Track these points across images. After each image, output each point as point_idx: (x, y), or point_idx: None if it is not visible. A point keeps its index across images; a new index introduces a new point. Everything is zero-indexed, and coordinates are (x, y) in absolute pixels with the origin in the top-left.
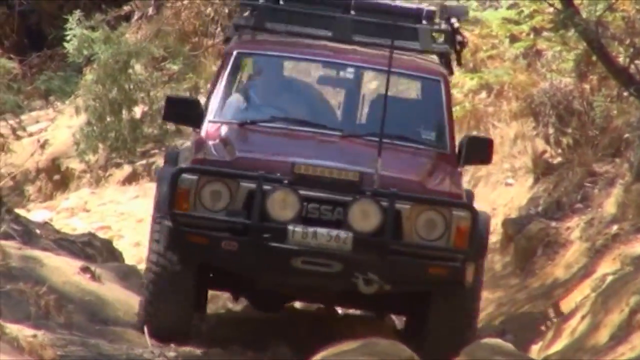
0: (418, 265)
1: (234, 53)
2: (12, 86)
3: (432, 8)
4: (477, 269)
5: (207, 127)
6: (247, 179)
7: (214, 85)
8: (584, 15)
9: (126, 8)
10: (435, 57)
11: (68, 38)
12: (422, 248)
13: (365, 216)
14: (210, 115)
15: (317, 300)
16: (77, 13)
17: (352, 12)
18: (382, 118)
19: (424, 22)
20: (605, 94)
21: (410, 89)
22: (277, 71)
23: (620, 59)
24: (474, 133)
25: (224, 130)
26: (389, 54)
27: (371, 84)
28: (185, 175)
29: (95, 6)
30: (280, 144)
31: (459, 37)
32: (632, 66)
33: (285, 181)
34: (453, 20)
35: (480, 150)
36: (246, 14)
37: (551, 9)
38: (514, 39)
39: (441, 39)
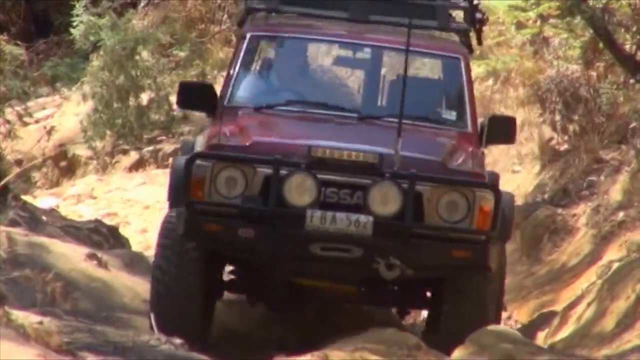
0: (441, 249)
1: (248, 36)
2: (19, 72)
3: None
4: (501, 251)
5: (222, 113)
6: (263, 164)
7: (228, 70)
8: (591, 2)
9: None
10: (454, 36)
11: (75, 24)
12: (444, 230)
13: (385, 199)
14: (225, 100)
15: (337, 298)
16: (83, 0)
17: None
18: (402, 98)
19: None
20: (612, 81)
21: (429, 68)
22: (292, 53)
23: (627, 46)
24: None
25: (239, 115)
26: (398, 33)
27: (390, 64)
28: (199, 162)
29: None
30: (297, 127)
31: (478, 15)
32: (639, 54)
33: (303, 165)
34: None
35: (503, 130)
36: None
37: None
38: (520, 26)
39: (460, 17)
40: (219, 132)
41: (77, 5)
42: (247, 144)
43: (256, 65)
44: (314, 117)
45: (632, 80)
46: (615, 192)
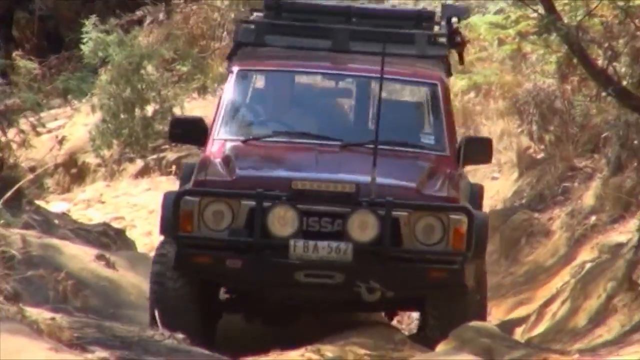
0: (418, 270)
1: (235, 70)
2: (33, 86)
3: (431, 9)
4: (478, 269)
5: (211, 146)
6: (247, 198)
7: (218, 103)
8: (566, 20)
9: (139, 13)
10: (437, 60)
11: (84, 41)
12: (421, 253)
13: (363, 226)
14: (214, 134)
15: (325, 310)
16: (93, 18)
17: (353, 20)
18: (376, 127)
19: (423, 23)
20: (585, 94)
21: (409, 93)
22: (278, 86)
23: (599, 62)
24: (472, 133)
25: (227, 148)
26: (383, 62)
27: (374, 91)
28: (187, 198)
29: (110, 11)
30: (280, 159)
31: (458, 38)
32: (610, 68)
33: (284, 197)
34: (453, 20)
35: (479, 151)
36: (247, 29)
37: (535, 15)
38: (501, 42)
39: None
40: (207, 166)
41: (87, 23)
42: (232, 178)
43: (244, 98)
44: (298, 147)
45: (603, 93)
46: (588, 198)
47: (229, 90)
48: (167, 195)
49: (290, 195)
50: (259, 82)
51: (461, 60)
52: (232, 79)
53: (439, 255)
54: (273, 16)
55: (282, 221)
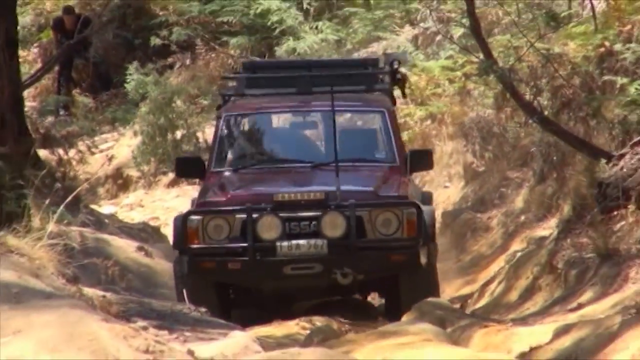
0: (381, 256)
1: (223, 116)
2: (88, 116)
3: (375, 57)
4: (429, 250)
5: (209, 176)
6: (240, 212)
7: (212, 142)
8: (500, 64)
9: (170, 60)
10: (382, 93)
11: (128, 81)
12: (382, 242)
13: (333, 225)
14: (210, 167)
15: (313, 296)
16: (135, 63)
17: (313, 70)
18: (335, 148)
19: (369, 68)
20: (516, 121)
21: (365, 120)
22: (258, 125)
23: (527, 96)
24: (416, 147)
25: (221, 177)
26: (337, 98)
27: (337, 121)
28: (192, 217)
29: (148, 58)
30: (264, 180)
31: (398, 76)
32: (535, 101)
33: (268, 209)
34: (395, 63)
35: (422, 160)
36: (230, 84)
37: (477, 60)
38: (450, 81)
39: (386, 79)
40: (206, 191)
41: (130, 67)
42: (227, 198)
43: (232, 137)
44: (277, 170)
45: (530, 121)
46: (518, 201)
47: (220, 132)
48: (177, 218)
49: (274, 207)
50: (243, 123)
51: (403, 93)
52: (221, 123)
53: (396, 242)
54: (250, 73)
55: (269, 228)
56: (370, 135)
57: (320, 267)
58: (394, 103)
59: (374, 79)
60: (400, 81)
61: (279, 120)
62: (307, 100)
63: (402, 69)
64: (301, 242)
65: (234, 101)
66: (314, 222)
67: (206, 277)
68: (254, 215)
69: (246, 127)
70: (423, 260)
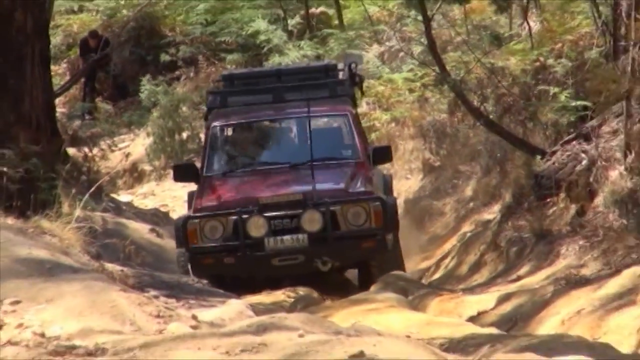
0: (354, 245)
1: (211, 126)
2: (109, 120)
3: (333, 62)
4: (394, 236)
5: (202, 181)
6: (231, 215)
7: (203, 150)
8: (453, 76)
9: (177, 73)
10: (345, 98)
11: (142, 91)
12: (354, 233)
13: (312, 221)
14: (203, 172)
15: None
16: (147, 76)
17: (282, 77)
18: (311, 151)
19: (330, 73)
20: (466, 123)
21: (332, 123)
22: (241, 133)
23: (475, 103)
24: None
25: (212, 181)
26: (315, 104)
27: (305, 126)
28: (191, 221)
29: (158, 72)
30: (250, 183)
31: (357, 78)
32: (482, 107)
33: (255, 210)
34: (352, 65)
35: (383, 155)
36: (214, 97)
37: (433, 73)
38: (411, 90)
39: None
40: (202, 196)
41: (144, 79)
42: (219, 203)
43: (220, 145)
44: (260, 173)
45: (477, 123)
46: (468, 191)
47: (209, 141)
48: (177, 221)
49: (260, 208)
50: (228, 132)
51: (362, 92)
52: (210, 132)
53: (366, 232)
54: (229, 85)
55: (257, 227)
56: (337, 136)
57: (303, 257)
58: (356, 106)
59: (337, 86)
60: (359, 83)
61: (259, 128)
62: (282, 107)
63: (358, 71)
64: (285, 237)
65: (219, 112)
66: (295, 220)
67: (205, 271)
68: (244, 217)
69: (231, 136)
70: (389, 245)
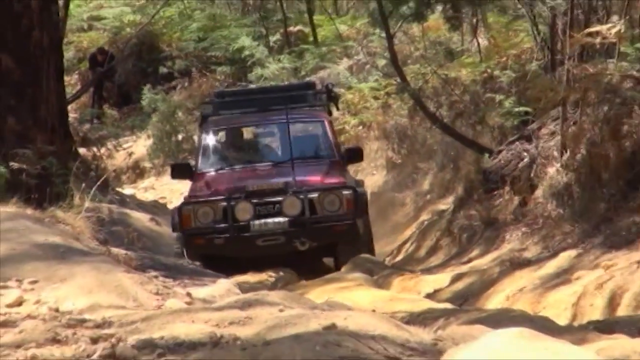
0: (328, 228)
1: (205, 130)
2: (114, 124)
3: (313, 80)
4: (365, 222)
5: (196, 176)
6: (221, 201)
7: (196, 151)
8: (412, 85)
9: (173, 83)
10: (320, 108)
11: (143, 98)
12: (328, 217)
13: (292, 206)
14: (196, 169)
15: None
16: (148, 85)
17: (270, 94)
18: (290, 150)
19: (309, 89)
20: (424, 126)
21: (310, 129)
22: (231, 136)
23: (431, 108)
24: (351, 145)
25: (205, 176)
26: (294, 112)
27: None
28: (186, 206)
29: (157, 82)
30: (239, 177)
31: (332, 94)
32: (437, 112)
33: (242, 197)
34: (329, 85)
35: (355, 155)
36: (208, 107)
37: (395, 83)
38: (376, 98)
39: (323, 97)
40: (195, 187)
41: (144, 88)
42: (211, 191)
43: (212, 146)
44: (247, 169)
45: (434, 126)
46: (426, 184)
47: (202, 142)
48: (174, 209)
49: (246, 195)
50: (220, 135)
51: (337, 107)
52: (203, 135)
53: (339, 217)
54: (221, 99)
55: (244, 211)
56: (315, 139)
57: (284, 238)
58: (330, 114)
59: (314, 98)
60: (334, 98)
61: (247, 132)
62: (266, 115)
63: (336, 90)
64: (268, 220)
65: (212, 119)
66: (277, 205)
67: (198, 251)
68: (232, 203)
69: (222, 138)
70: (360, 230)
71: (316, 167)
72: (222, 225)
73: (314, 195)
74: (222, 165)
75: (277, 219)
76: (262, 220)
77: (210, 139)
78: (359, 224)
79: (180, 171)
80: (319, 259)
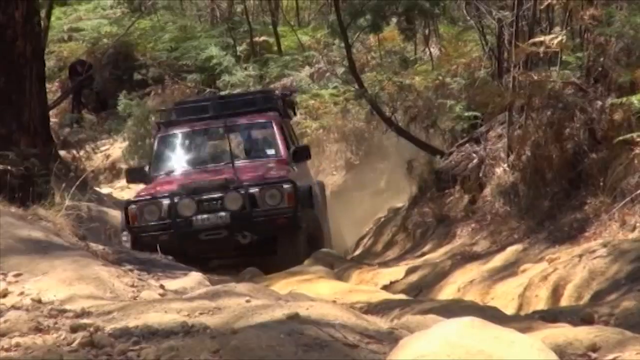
0: (270, 221)
1: (158, 136)
2: (92, 128)
3: (270, 87)
4: (311, 216)
5: (150, 179)
6: (165, 198)
7: (150, 156)
8: (370, 91)
9: (147, 89)
10: (272, 111)
11: (119, 104)
12: (270, 211)
13: (233, 201)
14: (151, 173)
15: (224, 256)
16: (124, 92)
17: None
18: (230, 150)
19: (265, 95)
20: (380, 130)
21: (259, 130)
22: (183, 141)
23: (387, 113)
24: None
25: (157, 179)
26: (239, 116)
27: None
28: (132, 205)
29: (132, 88)
30: (186, 176)
31: (288, 100)
32: (393, 117)
33: (185, 194)
34: (286, 92)
35: (303, 153)
36: (163, 114)
37: (353, 89)
38: (335, 103)
39: (278, 102)
40: (145, 188)
41: (121, 95)
42: (156, 190)
43: (165, 150)
44: (197, 171)
45: (389, 130)
46: (383, 184)
47: (155, 149)
48: (122, 206)
49: (189, 192)
50: (171, 142)
51: (294, 112)
52: (155, 142)
53: (280, 210)
54: (179, 108)
55: (186, 208)
56: (262, 140)
57: (226, 232)
58: (285, 117)
59: (265, 102)
60: (290, 104)
61: (197, 137)
62: (216, 120)
63: (294, 96)
64: (211, 215)
65: (167, 125)
66: (219, 201)
67: (144, 248)
68: (175, 200)
69: (173, 144)
70: (303, 223)
71: (261, 165)
72: (167, 221)
73: (255, 189)
74: (173, 168)
75: (219, 214)
76: (205, 215)
77: (163, 145)
78: (301, 217)
79: (136, 175)
80: (261, 254)
